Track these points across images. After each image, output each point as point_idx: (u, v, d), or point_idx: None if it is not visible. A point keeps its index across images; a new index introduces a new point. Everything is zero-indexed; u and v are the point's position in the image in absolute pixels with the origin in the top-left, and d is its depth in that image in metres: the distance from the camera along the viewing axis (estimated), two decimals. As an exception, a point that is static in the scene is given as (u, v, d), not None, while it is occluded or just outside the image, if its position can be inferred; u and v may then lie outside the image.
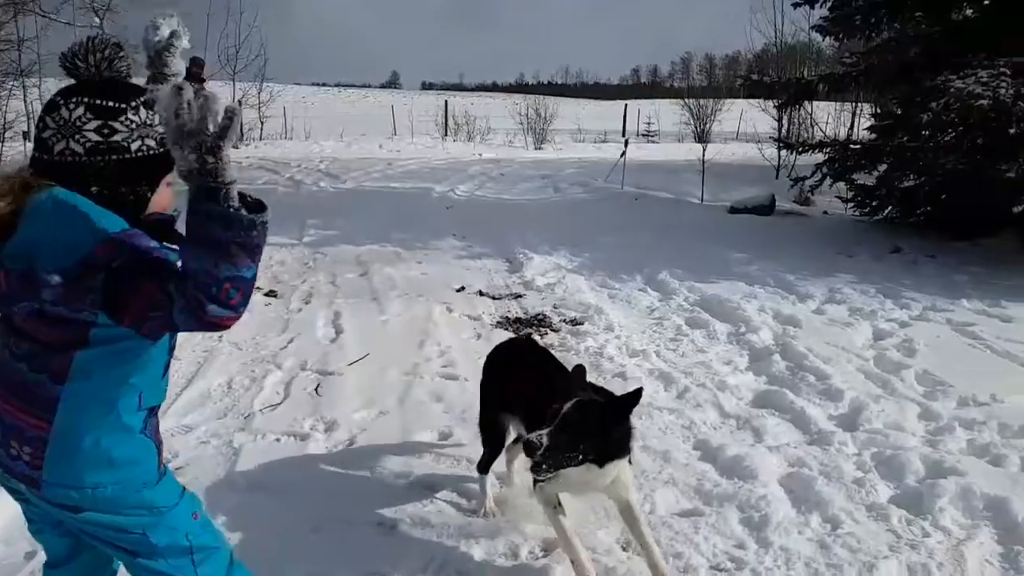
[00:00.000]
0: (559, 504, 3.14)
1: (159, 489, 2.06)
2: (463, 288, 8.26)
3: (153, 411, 2.08)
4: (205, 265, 1.62)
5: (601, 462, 2.88)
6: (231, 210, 1.61)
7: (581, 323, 6.98)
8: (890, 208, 11.61)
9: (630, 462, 3.08)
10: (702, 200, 14.25)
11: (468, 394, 5.22)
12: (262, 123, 28.28)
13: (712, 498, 3.90)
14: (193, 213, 1.62)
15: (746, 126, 26.87)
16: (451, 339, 6.46)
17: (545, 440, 2.74)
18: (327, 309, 7.39)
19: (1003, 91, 8.34)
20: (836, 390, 5.23)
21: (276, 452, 4.42)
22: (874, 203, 11.65)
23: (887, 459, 4.23)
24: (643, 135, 34.83)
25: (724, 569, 3.33)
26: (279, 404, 5.10)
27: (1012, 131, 8.64)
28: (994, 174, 8.60)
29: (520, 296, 8.05)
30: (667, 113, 33.92)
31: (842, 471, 4.13)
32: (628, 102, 45.22)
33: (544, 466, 2.79)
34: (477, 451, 4.32)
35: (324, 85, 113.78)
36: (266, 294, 7.74)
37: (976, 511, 3.72)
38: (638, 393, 2.93)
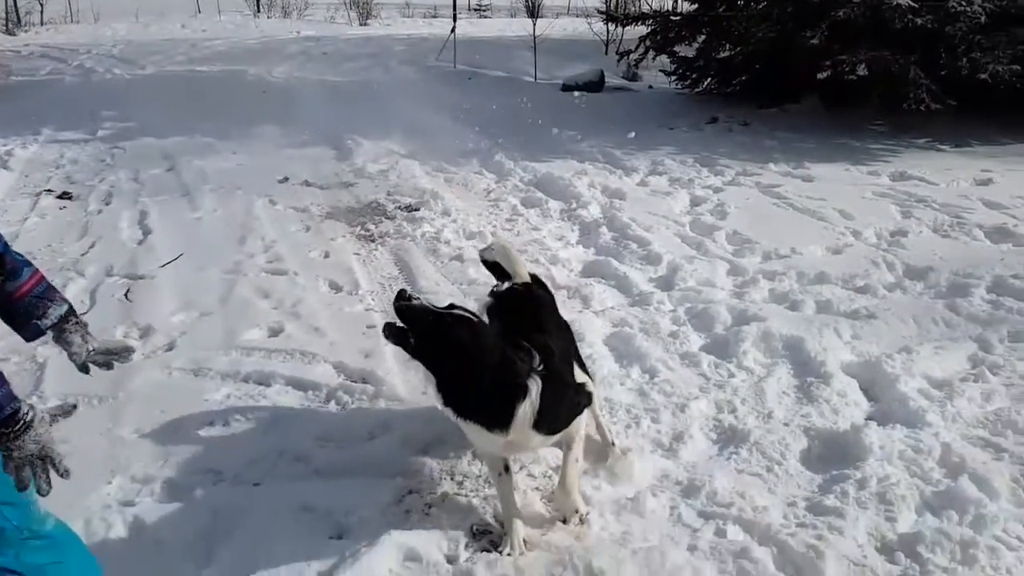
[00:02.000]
0: (506, 469, 2.79)
1: None
2: (286, 179, 7.80)
3: None
4: None
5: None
6: None
7: (417, 209, 6.85)
8: (709, 80, 12.12)
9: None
10: (535, 78, 14.17)
11: (298, 288, 5.05)
12: (42, 5, 24.77)
13: (545, 364, 4.07)
14: None
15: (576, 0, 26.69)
16: (276, 233, 6.13)
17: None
18: (131, 209, 6.76)
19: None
20: (655, 255, 5.54)
21: (87, 364, 4.10)
22: (694, 75, 12.10)
23: (699, 313, 4.59)
24: (475, 9, 33.71)
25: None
26: (85, 313, 4.65)
27: (817, -1, 9.12)
28: (800, 41, 9.11)
29: (351, 185, 7.74)
30: (500, -15, 32.97)
31: (659, 327, 4.45)
32: (458, -23, 43.30)
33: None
34: (313, 343, 4.25)
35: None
36: (59, 196, 6.93)
37: (776, 351, 4.14)
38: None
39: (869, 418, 3.52)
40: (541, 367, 2.56)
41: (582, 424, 2.82)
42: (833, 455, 3.29)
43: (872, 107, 10.18)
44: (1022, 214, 6.36)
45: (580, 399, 2.78)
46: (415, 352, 2.60)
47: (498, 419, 2.49)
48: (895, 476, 3.06)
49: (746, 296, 4.88)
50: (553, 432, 2.66)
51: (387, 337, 2.64)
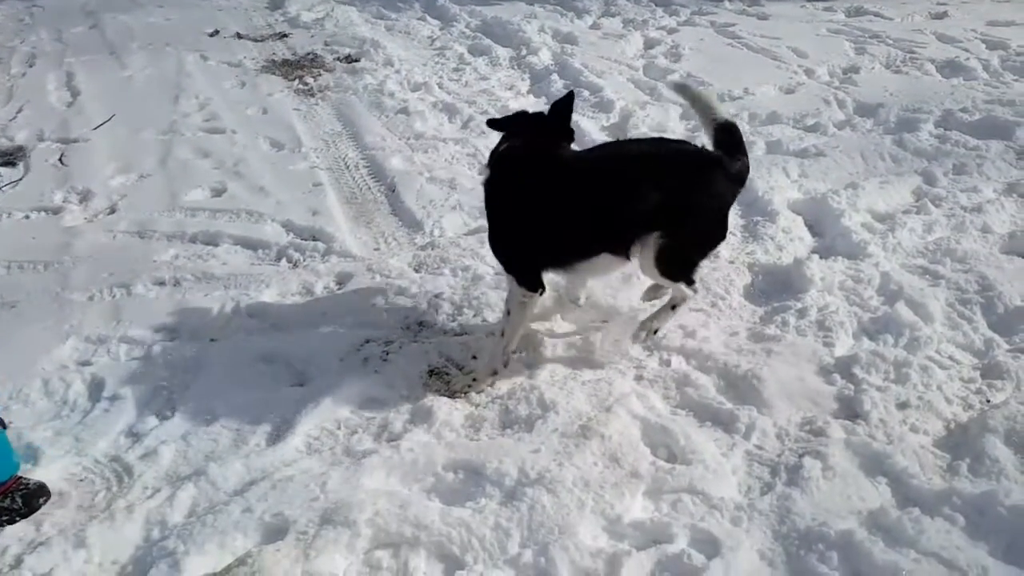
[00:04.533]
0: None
1: None
2: (217, 32, 7.32)
3: None
4: None
5: None
6: None
7: (357, 60, 6.53)
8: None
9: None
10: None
11: (238, 147, 4.86)
12: None
13: (497, 213, 4.05)
14: None
15: None
16: (210, 90, 5.82)
17: None
18: (57, 70, 6.33)
19: None
20: (608, 101, 5.42)
21: (28, 229, 3.99)
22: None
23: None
24: None
25: (508, 272, 3.57)
26: (20, 180, 4.47)
27: None
28: None
29: (285, 36, 7.29)
30: None
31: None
32: None
33: None
34: (258, 202, 4.15)
35: None
36: (-26, 59, 6.41)
37: (724, 192, 4.17)
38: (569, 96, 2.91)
39: (813, 252, 3.63)
40: None
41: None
42: (775, 288, 3.42)
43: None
44: (974, 47, 6.34)
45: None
46: None
47: None
48: (834, 305, 3.21)
49: (697, 140, 4.84)
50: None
51: None
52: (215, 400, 2.74)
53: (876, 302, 3.24)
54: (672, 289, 2.92)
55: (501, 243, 2.87)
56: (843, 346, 3.03)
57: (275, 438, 2.59)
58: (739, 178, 2.77)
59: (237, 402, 2.73)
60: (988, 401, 2.69)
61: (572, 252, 2.79)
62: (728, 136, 2.85)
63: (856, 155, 4.52)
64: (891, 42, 6.47)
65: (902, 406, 2.67)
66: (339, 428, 2.63)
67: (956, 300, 3.22)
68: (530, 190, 2.71)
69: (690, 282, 2.86)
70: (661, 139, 3.01)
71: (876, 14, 7.40)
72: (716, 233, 2.84)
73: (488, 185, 2.84)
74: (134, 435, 2.62)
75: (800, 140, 4.75)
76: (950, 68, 5.87)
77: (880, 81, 5.69)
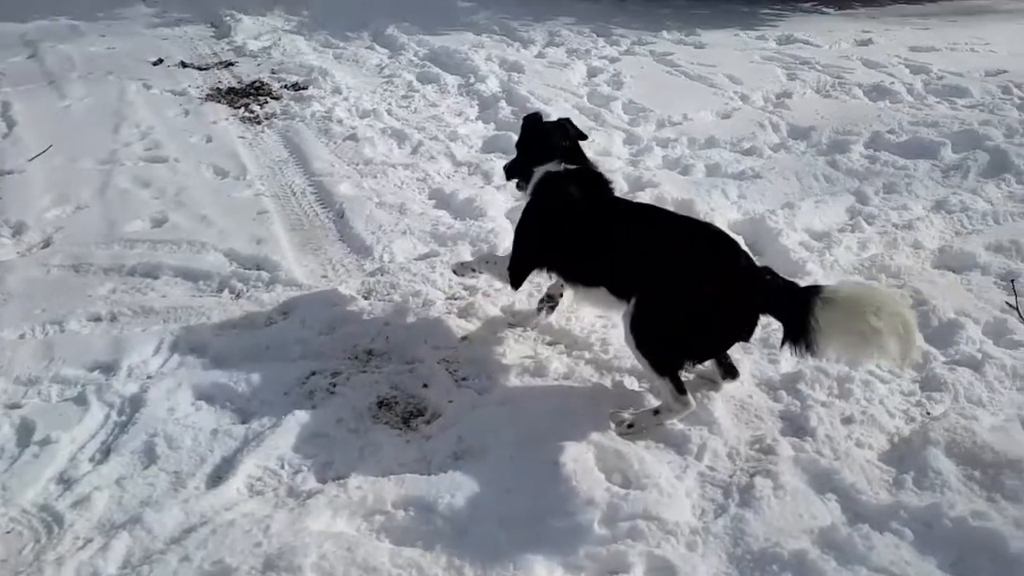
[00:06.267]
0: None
1: None
2: (161, 61, 7.18)
3: None
4: None
5: None
6: None
7: (305, 87, 6.47)
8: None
9: None
10: (423, -54, 13.29)
11: (181, 175, 4.76)
12: None
13: (447, 239, 4.05)
14: None
15: None
16: (153, 119, 5.69)
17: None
18: (-10, 100, 6.11)
19: None
20: (556, 126, 5.48)
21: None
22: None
23: (598, 181, 4.62)
24: None
25: (459, 297, 3.55)
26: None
27: None
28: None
29: (232, 64, 7.20)
30: None
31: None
32: None
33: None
34: (201, 232, 4.05)
35: None
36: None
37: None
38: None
39: (755, 272, 3.71)
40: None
41: None
42: (722, 308, 3.46)
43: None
44: (899, 72, 6.63)
45: None
46: None
47: None
48: (777, 323, 3.26)
49: (641, 163, 4.95)
50: None
51: None
52: (154, 442, 2.62)
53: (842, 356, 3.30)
54: (653, 385, 2.81)
55: (519, 239, 3.10)
56: (788, 363, 3.08)
57: (215, 480, 2.50)
58: (763, 293, 2.56)
59: (179, 442, 2.62)
60: (928, 413, 2.78)
61: (580, 270, 2.91)
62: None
63: (791, 176, 4.66)
64: (820, 68, 6.73)
65: (847, 421, 2.74)
66: (283, 467, 2.55)
67: (893, 315, 3.32)
68: (565, 209, 2.93)
69: (671, 376, 2.64)
70: (706, 223, 2.93)
71: (805, 42, 7.70)
72: (709, 328, 2.60)
73: (535, 191, 3.08)
74: (65, 481, 2.49)
75: (738, 163, 4.88)
76: (877, 92, 6.13)
77: (811, 105, 5.90)
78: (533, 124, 3.26)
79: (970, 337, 3.14)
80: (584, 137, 3.31)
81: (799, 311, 2.45)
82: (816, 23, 8.58)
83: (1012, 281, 3.51)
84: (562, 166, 3.04)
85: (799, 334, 2.47)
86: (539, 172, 3.09)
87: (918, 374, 2.99)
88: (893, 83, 6.25)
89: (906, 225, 4.06)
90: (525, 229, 3.10)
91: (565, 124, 3.24)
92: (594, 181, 3.04)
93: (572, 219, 2.91)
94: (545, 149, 3.11)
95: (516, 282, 3.14)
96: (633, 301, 2.66)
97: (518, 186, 3.36)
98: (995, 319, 3.28)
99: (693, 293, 2.55)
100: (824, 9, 9.36)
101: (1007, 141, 5.00)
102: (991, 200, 4.33)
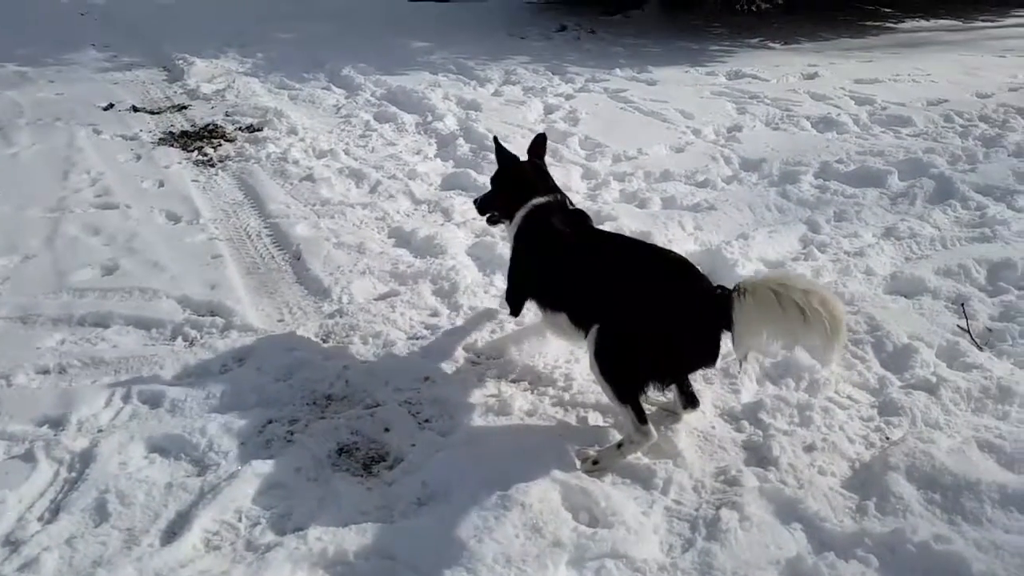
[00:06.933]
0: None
1: None
2: (111, 106, 7.10)
3: None
4: None
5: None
6: None
7: (260, 129, 6.44)
8: (555, -13, 12.03)
9: None
10: (380, -11, 13.49)
11: (132, 221, 4.66)
12: None
13: (407, 278, 4.02)
14: None
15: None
16: (103, 165, 5.59)
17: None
18: (-68, 148, 5.95)
19: None
20: (513, 163, 5.53)
21: None
22: (541, -18, 11.97)
23: (557, 217, 4.65)
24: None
25: (420, 337, 3.51)
26: None
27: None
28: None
29: (185, 107, 7.14)
30: None
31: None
32: None
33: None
34: (152, 278, 3.96)
35: None
36: None
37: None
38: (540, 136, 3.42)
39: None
40: None
41: None
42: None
43: (709, 10, 10.52)
44: (844, 104, 6.86)
45: None
46: None
47: None
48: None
49: (599, 198, 5.01)
50: None
51: None
52: (104, 497, 2.52)
53: (775, 347, 3.35)
54: (617, 419, 2.81)
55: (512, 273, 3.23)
56: (748, 392, 3.11)
57: (170, 536, 2.40)
58: (723, 314, 2.52)
59: (128, 498, 2.52)
60: (887, 438, 2.81)
61: (547, 297, 3.01)
62: None
63: (745, 207, 4.76)
64: (769, 102, 6.93)
65: (809, 449, 2.75)
66: (240, 520, 2.46)
67: (849, 341, 3.37)
68: (543, 241, 3.04)
69: (633, 404, 2.63)
70: (660, 248, 3.00)
71: (754, 76, 7.93)
72: (669, 350, 2.60)
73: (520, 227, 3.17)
74: (12, 543, 2.37)
75: (692, 195, 4.97)
76: (824, 123, 6.32)
77: (761, 138, 6.06)
78: (512, 162, 3.34)
79: (924, 361, 3.21)
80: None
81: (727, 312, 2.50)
82: (763, 58, 8.86)
83: (962, 304, 3.60)
84: (545, 199, 3.14)
85: (732, 333, 2.52)
86: (527, 206, 3.16)
87: (875, 399, 3.03)
88: (839, 114, 6.46)
89: (857, 252, 4.15)
90: (517, 258, 3.20)
91: (540, 164, 3.37)
92: (574, 213, 3.14)
93: (551, 250, 3.01)
94: (529, 185, 3.22)
95: (515, 310, 3.22)
96: (595, 328, 2.68)
97: (492, 220, 3.42)
98: (947, 342, 3.35)
99: (652, 317, 2.58)
100: (770, 44, 9.67)
101: (951, 168, 5.18)
102: (938, 226, 4.46)
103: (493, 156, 5.57)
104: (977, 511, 2.40)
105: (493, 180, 3.47)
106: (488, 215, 3.44)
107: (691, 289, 2.62)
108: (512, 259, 3.22)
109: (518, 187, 3.24)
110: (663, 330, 2.57)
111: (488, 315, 3.64)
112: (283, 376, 3.18)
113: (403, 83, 7.71)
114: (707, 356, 2.65)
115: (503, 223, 3.36)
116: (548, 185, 3.26)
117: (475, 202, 3.54)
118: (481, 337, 3.48)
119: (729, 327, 2.52)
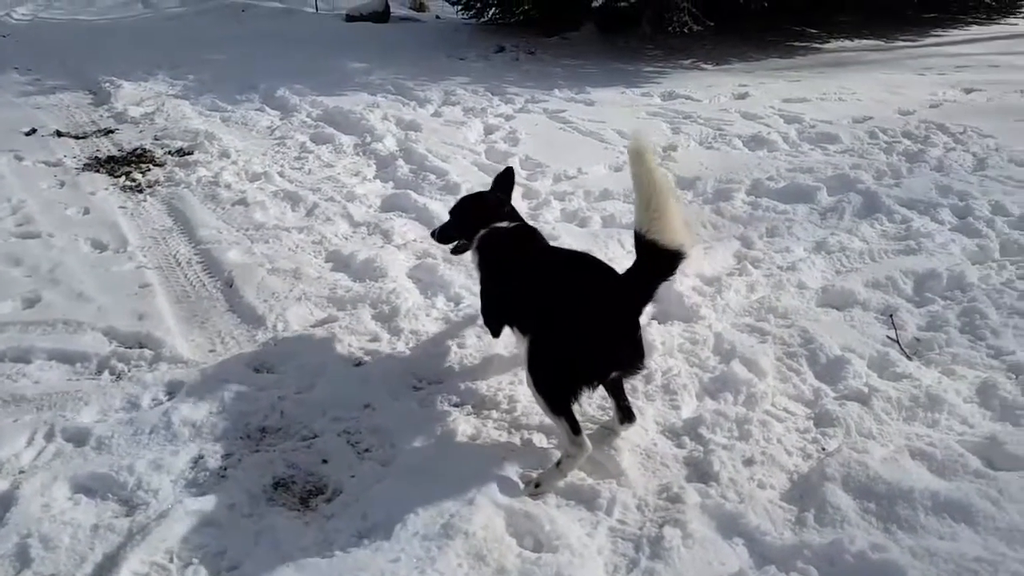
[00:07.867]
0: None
1: None
2: (34, 131, 6.83)
3: None
4: None
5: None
6: None
7: (190, 153, 6.28)
8: (493, 10, 12.14)
9: None
10: (317, 9, 13.41)
11: (55, 251, 4.47)
12: None
13: (345, 303, 3.95)
14: None
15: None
16: (24, 192, 5.34)
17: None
18: None
19: None
20: (453, 184, 5.52)
21: None
22: (478, 5, 12.06)
23: (497, 237, 4.65)
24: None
25: (360, 363, 3.44)
26: None
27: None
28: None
29: (112, 132, 6.91)
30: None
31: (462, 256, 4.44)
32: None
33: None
34: (77, 310, 3.79)
35: None
36: None
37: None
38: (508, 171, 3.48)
39: (651, 318, 3.78)
40: None
41: None
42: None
43: (643, 32, 10.76)
44: (774, 122, 7.06)
45: None
46: None
47: None
48: (676, 367, 3.34)
49: (540, 217, 5.02)
50: None
51: None
52: (26, 542, 2.38)
53: (713, 362, 3.41)
54: (556, 432, 2.79)
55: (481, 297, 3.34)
56: (688, 408, 3.13)
57: (95, 581, 2.27)
58: (638, 294, 2.65)
59: (52, 542, 2.38)
60: (823, 449, 2.86)
61: (502, 313, 3.09)
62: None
63: (682, 225, 4.82)
64: (702, 121, 7.10)
65: (748, 463, 2.78)
66: (172, 561, 2.35)
67: (784, 354, 3.45)
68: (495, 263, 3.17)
69: (567, 415, 2.62)
70: (582, 255, 3.08)
71: (687, 97, 8.12)
72: (588, 345, 2.60)
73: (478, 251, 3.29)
74: (-82, 599, 2.22)
75: (631, 213, 4.99)
76: (755, 142, 6.50)
77: (696, 157, 6.19)
78: (471, 194, 3.57)
79: (856, 372, 3.29)
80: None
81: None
82: (696, 79, 9.09)
83: (891, 315, 3.72)
84: (503, 225, 3.25)
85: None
86: (482, 232, 3.27)
87: (811, 410, 3.09)
88: (770, 133, 6.65)
89: (790, 267, 4.26)
90: (481, 282, 3.32)
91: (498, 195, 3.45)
92: (524, 233, 3.26)
93: (501, 271, 3.13)
94: (486, 212, 3.33)
95: (493, 332, 3.26)
96: (526, 341, 2.74)
97: (456, 250, 3.50)
98: (878, 352, 3.45)
99: (565, 319, 2.65)
100: (703, 65, 9.93)
101: (877, 183, 5.36)
102: (866, 239, 4.60)
103: (434, 177, 5.65)
104: (911, 519, 2.45)
105: (452, 211, 3.53)
106: (454, 244, 3.50)
107: (595, 283, 2.73)
108: (480, 283, 3.34)
109: (474, 214, 3.34)
110: (578, 329, 2.62)
111: (432, 340, 3.60)
112: (215, 409, 3.06)
113: (340, 104, 7.63)
114: (628, 348, 2.66)
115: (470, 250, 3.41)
116: (503, 212, 3.32)
117: (432, 234, 3.59)
118: (422, 361, 3.43)
119: (647, 288, 2.66)
